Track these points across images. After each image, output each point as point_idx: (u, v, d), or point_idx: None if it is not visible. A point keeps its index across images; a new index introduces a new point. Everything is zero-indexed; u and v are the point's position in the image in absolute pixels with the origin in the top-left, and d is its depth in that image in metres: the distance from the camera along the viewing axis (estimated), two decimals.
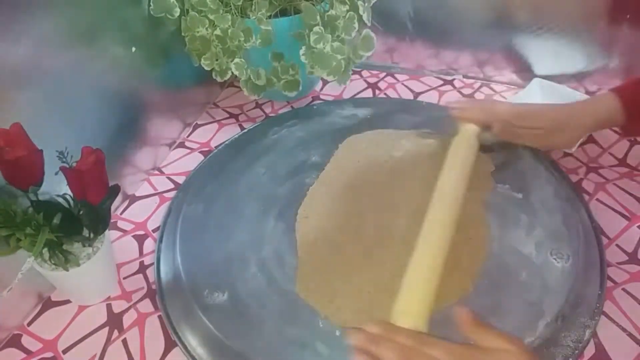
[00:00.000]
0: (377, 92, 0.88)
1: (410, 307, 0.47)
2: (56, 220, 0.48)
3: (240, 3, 0.69)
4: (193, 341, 0.53)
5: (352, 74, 0.88)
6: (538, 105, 0.71)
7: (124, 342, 0.54)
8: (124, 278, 0.61)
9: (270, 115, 0.84)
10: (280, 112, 0.85)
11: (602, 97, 0.63)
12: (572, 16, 0.75)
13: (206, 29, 0.69)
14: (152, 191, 0.72)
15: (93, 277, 0.56)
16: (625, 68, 0.77)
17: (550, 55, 0.80)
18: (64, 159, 0.47)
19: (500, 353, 0.39)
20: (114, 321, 0.56)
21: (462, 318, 0.42)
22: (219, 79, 0.73)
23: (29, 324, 0.56)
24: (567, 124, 0.63)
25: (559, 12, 0.75)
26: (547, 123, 0.64)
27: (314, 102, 0.86)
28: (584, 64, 0.78)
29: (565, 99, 0.77)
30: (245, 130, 0.80)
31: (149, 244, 0.65)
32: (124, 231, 0.66)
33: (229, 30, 0.68)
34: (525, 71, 0.83)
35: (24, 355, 0.54)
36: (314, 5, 0.68)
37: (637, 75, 0.66)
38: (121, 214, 0.69)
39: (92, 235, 0.53)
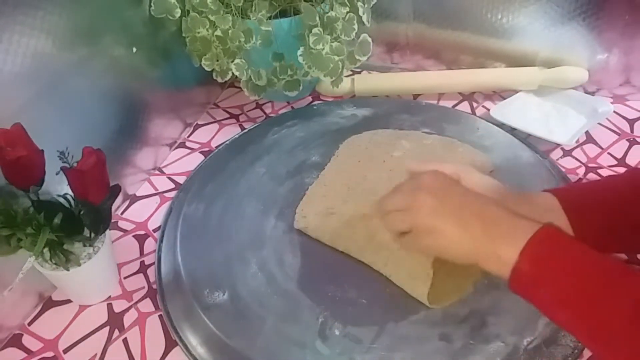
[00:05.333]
0: None
1: None
2: (57, 220, 0.49)
3: (240, 4, 0.69)
4: (194, 340, 0.53)
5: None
6: None
7: (125, 341, 0.54)
8: (125, 278, 0.61)
9: (271, 115, 0.84)
10: (280, 112, 0.85)
11: (539, 194, 0.52)
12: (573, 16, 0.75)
13: (207, 29, 0.69)
14: (152, 191, 0.72)
15: (94, 277, 0.56)
16: (624, 69, 0.77)
17: (550, 55, 0.80)
18: (65, 159, 0.47)
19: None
20: (115, 321, 0.56)
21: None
22: (219, 80, 0.73)
23: (30, 323, 0.57)
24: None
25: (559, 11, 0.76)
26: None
27: (314, 102, 0.86)
28: (583, 65, 0.78)
29: (564, 99, 0.78)
30: (246, 131, 0.80)
31: (150, 244, 0.65)
32: (125, 231, 0.66)
33: (230, 31, 0.68)
34: None
35: (24, 354, 0.54)
36: (313, 6, 0.69)
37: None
38: (122, 213, 0.69)
39: (92, 235, 0.53)
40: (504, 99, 0.81)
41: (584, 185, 0.62)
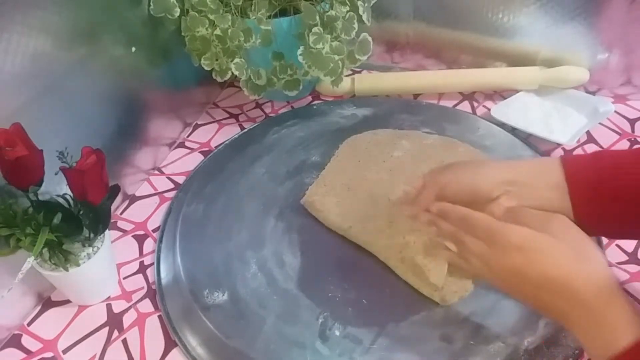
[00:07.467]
0: None
1: None
2: (56, 220, 0.48)
3: (240, 3, 0.69)
4: (193, 341, 0.53)
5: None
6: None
7: (124, 342, 0.54)
8: (124, 278, 0.61)
9: (271, 115, 0.84)
10: (280, 112, 0.85)
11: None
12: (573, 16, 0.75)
13: (206, 29, 0.69)
14: (152, 191, 0.72)
15: (93, 277, 0.56)
16: (625, 68, 0.77)
17: (551, 55, 0.80)
18: (64, 159, 0.47)
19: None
20: (114, 321, 0.56)
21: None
22: (219, 79, 0.73)
23: (29, 324, 0.56)
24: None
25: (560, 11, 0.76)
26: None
27: (314, 102, 0.86)
28: (584, 64, 0.78)
29: (565, 99, 0.78)
30: (246, 130, 0.80)
31: (149, 244, 0.65)
32: (124, 231, 0.66)
33: (229, 30, 0.68)
34: None
35: (24, 355, 0.54)
36: (313, 5, 0.68)
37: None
38: (121, 214, 0.69)
39: (92, 235, 0.53)
40: (505, 98, 0.81)
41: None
